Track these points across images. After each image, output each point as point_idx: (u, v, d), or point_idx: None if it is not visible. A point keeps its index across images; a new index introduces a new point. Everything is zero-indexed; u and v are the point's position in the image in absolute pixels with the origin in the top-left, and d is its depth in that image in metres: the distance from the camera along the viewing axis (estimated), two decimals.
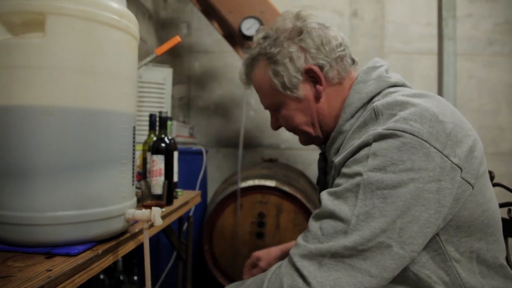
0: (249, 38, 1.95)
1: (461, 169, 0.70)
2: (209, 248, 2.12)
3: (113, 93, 0.78)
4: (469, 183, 0.71)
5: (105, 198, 0.76)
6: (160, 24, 2.94)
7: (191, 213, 1.88)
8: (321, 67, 0.87)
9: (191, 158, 2.13)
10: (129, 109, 0.82)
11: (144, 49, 2.44)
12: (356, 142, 0.75)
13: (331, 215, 0.71)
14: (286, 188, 2.02)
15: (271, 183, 2.05)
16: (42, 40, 0.70)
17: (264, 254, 1.14)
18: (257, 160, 2.77)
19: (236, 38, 2.21)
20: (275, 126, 0.99)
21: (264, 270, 1.07)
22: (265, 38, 0.92)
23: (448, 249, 0.73)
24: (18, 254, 0.69)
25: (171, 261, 1.99)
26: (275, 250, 1.15)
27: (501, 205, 1.09)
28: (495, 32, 2.78)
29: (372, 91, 0.84)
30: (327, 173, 0.97)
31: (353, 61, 0.93)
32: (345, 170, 0.75)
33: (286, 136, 2.82)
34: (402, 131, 0.69)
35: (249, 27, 1.94)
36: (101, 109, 0.75)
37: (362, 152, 0.72)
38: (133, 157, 0.85)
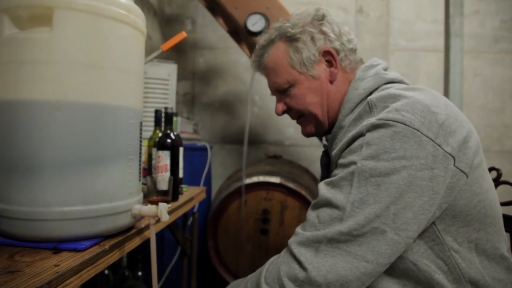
0: (255, 34, 1.94)
1: (454, 158, 0.71)
2: (214, 244, 2.12)
3: (120, 88, 0.77)
4: (463, 171, 0.72)
5: (112, 193, 0.76)
6: (164, 20, 2.93)
7: (195, 209, 1.89)
8: (337, 52, 0.92)
9: (196, 154, 2.13)
10: (136, 105, 0.82)
11: (148, 45, 2.43)
12: (351, 133, 0.77)
13: (328, 203, 0.74)
14: (291, 185, 2.01)
15: (275, 179, 2.05)
16: (49, 34, 0.70)
17: None
18: (261, 156, 2.76)
19: (241, 34, 2.20)
20: (281, 110, 0.99)
21: None
22: (284, 23, 0.95)
23: (446, 239, 0.74)
24: (25, 249, 0.69)
25: (175, 257, 2.00)
26: None
27: (507, 203, 1.08)
28: (501, 30, 2.76)
29: (369, 87, 0.86)
30: (330, 170, 0.97)
31: (361, 60, 0.97)
32: (341, 160, 0.78)
33: (290, 133, 2.81)
34: (394, 121, 0.71)
35: (254, 23, 1.93)
36: (108, 104, 0.75)
37: (357, 143, 0.75)
38: (140, 153, 0.85)
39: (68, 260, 0.65)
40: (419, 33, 2.81)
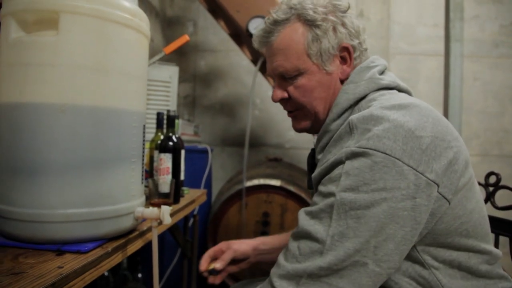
0: None
1: (437, 184, 0.68)
2: (214, 246, 2.12)
3: (125, 91, 0.78)
4: (446, 198, 0.70)
5: (115, 196, 0.77)
6: (166, 22, 2.94)
7: (196, 212, 1.89)
8: (354, 50, 0.87)
9: (196, 157, 2.14)
10: (139, 108, 0.83)
11: (150, 47, 2.43)
12: (331, 159, 0.74)
13: (308, 235, 0.72)
14: (291, 188, 2.02)
15: (276, 182, 2.05)
16: (55, 38, 0.71)
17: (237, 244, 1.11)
18: (261, 159, 2.77)
19: (242, 38, 2.21)
20: (280, 97, 0.90)
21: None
22: (304, 3, 0.86)
23: (426, 258, 0.73)
24: (29, 250, 0.70)
25: (175, 259, 2.00)
26: (246, 241, 1.12)
27: (507, 208, 1.09)
28: (501, 34, 2.78)
29: (359, 92, 0.82)
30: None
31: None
32: (321, 188, 0.75)
33: (290, 136, 2.82)
34: (374, 150, 0.67)
35: (256, 27, 1.94)
36: (113, 108, 0.76)
37: (336, 171, 0.72)
38: (143, 156, 0.86)
39: (71, 262, 0.65)
40: (420, 37, 2.82)
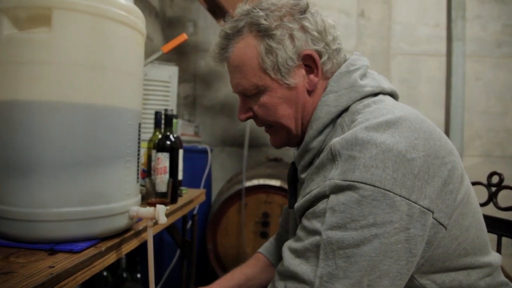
0: None
1: (432, 211, 0.63)
2: (213, 247, 2.11)
3: (120, 89, 0.77)
4: (442, 224, 0.65)
5: (109, 195, 0.76)
6: (166, 23, 2.93)
7: (195, 212, 1.88)
8: (320, 55, 0.77)
9: (196, 157, 2.13)
10: (134, 106, 0.82)
11: (150, 47, 2.44)
12: (314, 191, 0.68)
13: (295, 276, 0.66)
14: None
15: (276, 182, 2.04)
16: (48, 35, 0.70)
17: None
18: (261, 159, 2.76)
19: None
20: (245, 116, 0.83)
21: None
22: (256, 8, 0.77)
23: (424, 283, 0.69)
24: (21, 250, 0.69)
25: (174, 260, 1.99)
26: None
27: (509, 208, 1.07)
28: (504, 34, 2.76)
29: (341, 104, 0.75)
30: (297, 187, 0.88)
31: (345, 60, 0.83)
32: (305, 222, 0.69)
33: None
34: (361, 182, 0.61)
35: None
36: (107, 105, 0.75)
37: (320, 205, 0.66)
38: (138, 154, 0.85)
39: (63, 262, 0.64)
40: (421, 37, 2.81)
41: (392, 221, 0.61)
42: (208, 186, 2.22)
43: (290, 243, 0.71)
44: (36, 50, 0.70)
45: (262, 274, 1.07)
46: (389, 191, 0.61)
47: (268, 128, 0.85)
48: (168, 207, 1.08)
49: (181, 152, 1.30)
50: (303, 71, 0.78)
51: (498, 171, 1.14)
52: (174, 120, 1.29)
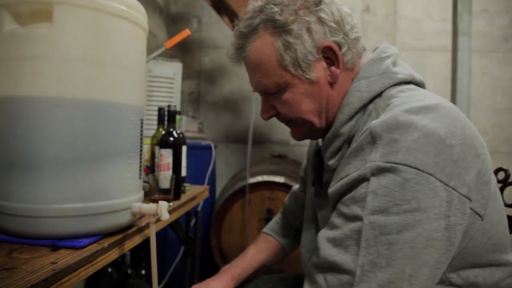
0: None
1: (470, 199, 0.62)
2: (217, 243, 2.11)
3: (121, 85, 0.77)
4: (478, 214, 0.64)
5: (111, 191, 0.75)
6: (170, 19, 2.93)
7: (199, 208, 1.88)
8: (339, 46, 0.75)
9: (200, 153, 2.13)
10: (136, 102, 0.81)
11: (154, 44, 2.43)
12: (352, 174, 0.65)
13: (334, 267, 0.64)
14: (295, 185, 1.99)
15: (280, 179, 2.03)
16: (49, 30, 0.69)
17: None
18: (266, 156, 2.75)
19: None
20: (269, 114, 0.82)
21: None
22: (269, 4, 0.76)
23: (450, 276, 0.68)
24: (23, 246, 0.69)
25: (179, 256, 1.99)
26: (227, 278, 1.04)
27: None
28: (511, 28, 2.72)
29: (374, 89, 0.73)
30: (323, 173, 0.87)
31: (364, 48, 0.82)
32: (342, 208, 0.66)
33: None
34: (404, 165, 0.59)
35: None
36: (108, 101, 0.74)
37: (360, 189, 0.63)
38: (141, 150, 0.84)
39: (65, 258, 0.64)
40: (427, 32, 2.78)
41: (434, 206, 0.59)
42: (212, 183, 2.22)
43: (326, 233, 0.68)
44: (38, 45, 0.69)
45: (275, 259, 1.12)
46: (431, 175, 0.59)
47: (288, 122, 0.83)
48: (171, 204, 1.08)
49: (184, 148, 1.30)
50: (324, 64, 0.76)
51: (504, 167, 1.13)
52: (177, 117, 1.28)
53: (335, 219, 0.67)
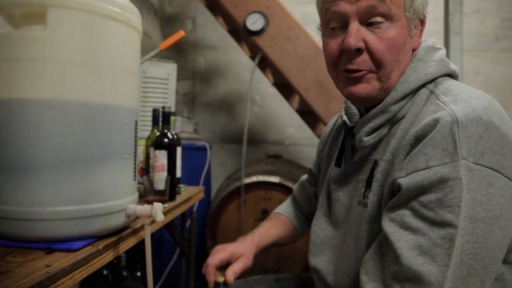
0: (254, 33, 1.93)
1: None
2: (213, 244, 2.11)
3: (115, 86, 0.77)
4: None
5: (106, 193, 0.75)
6: (165, 20, 2.93)
7: (194, 209, 1.88)
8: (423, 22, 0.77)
9: (195, 154, 2.13)
10: (131, 103, 0.81)
11: (149, 44, 2.43)
12: (437, 168, 0.59)
13: (416, 278, 0.58)
14: (290, 184, 2.00)
15: (275, 179, 2.04)
16: (43, 32, 0.69)
17: (237, 248, 0.96)
18: (261, 156, 2.76)
19: (241, 34, 2.19)
20: (358, 44, 0.69)
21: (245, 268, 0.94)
22: None
23: (502, 271, 0.68)
24: (18, 249, 0.69)
25: (174, 257, 1.99)
26: (248, 243, 1.00)
27: None
28: (502, 28, 2.75)
29: (431, 73, 0.71)
30: (353, 152, 0.81)
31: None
32: (424, 211, 0.60)
33: (290, 133, 2.80)
34: (490, 168, 0.58)
35: (254, 22, 1.93)
36: (103, 103, 0.74)
37: (451, 193, 0.58)
38: (135, 152, 0.84)
39: (60, 261, 0.64)
40: None
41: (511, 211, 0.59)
42: (207, 183, 2.22)
43: (404, 236, 0.61)
44: (31, 47, 0.69)
45: (289, 238, 1.10)
46: (509, 179, 0.59)
47: (363, 71, 0.72)
48: (166, 205, 1.08)
49: (179, 149, 1.30)
50: (419, 28, 0.76)
51: None
52: (172, 118, 1.29)
53: (413, 221, 0.61)
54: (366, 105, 0.78)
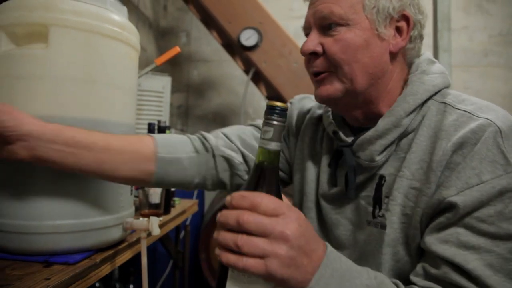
0: (248, 48, 1.97)
1: None
2: (206, 257, 2.11)
3: (113, 103, 0.79)
4: None
5: (103, 207, 0.77)
6: (160, 33, 2.96)
7: (188, 222, 1.89)
8: (414, 26, 0.71)
9: None
10: (128, 120, 0.84)
11: (144, 57, 2.45)
12: (491, 182, 0.58)
13: None
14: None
15: None
16: (45, 51, 0.72)
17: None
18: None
19: (235, 48, 2.23)
20: (311, 48, 0.71)
21: None
22: None
23: None
24: (16, 262, 0.70)
25: (168, 270, 1.99)
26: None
27: None
28: (490, 44, 2.82)
29: (437, 85, 0.70)
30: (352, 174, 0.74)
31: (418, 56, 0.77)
32: (483, 226, 0.58)
33: None
34: None
35: (248, 38, 1.96)
36: (101, 119, 0.76)
37: (511, 205, 0.58)
38: None
39: (58, 274, 0.65)
40: None
41: None
42: (200, 197, 2.23)
43: (467, 256, 0.58)
44: (33, 65, 0.72)
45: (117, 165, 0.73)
46: None
47: (325, 73, 0.72)
48: (161, 218, 1.10)
49: None
50: (393, 30, 0.71)
51: None
52: (167, 131, 1.30)
53: (472, 239, 0.58)
54: (341, 112, 0.76)
